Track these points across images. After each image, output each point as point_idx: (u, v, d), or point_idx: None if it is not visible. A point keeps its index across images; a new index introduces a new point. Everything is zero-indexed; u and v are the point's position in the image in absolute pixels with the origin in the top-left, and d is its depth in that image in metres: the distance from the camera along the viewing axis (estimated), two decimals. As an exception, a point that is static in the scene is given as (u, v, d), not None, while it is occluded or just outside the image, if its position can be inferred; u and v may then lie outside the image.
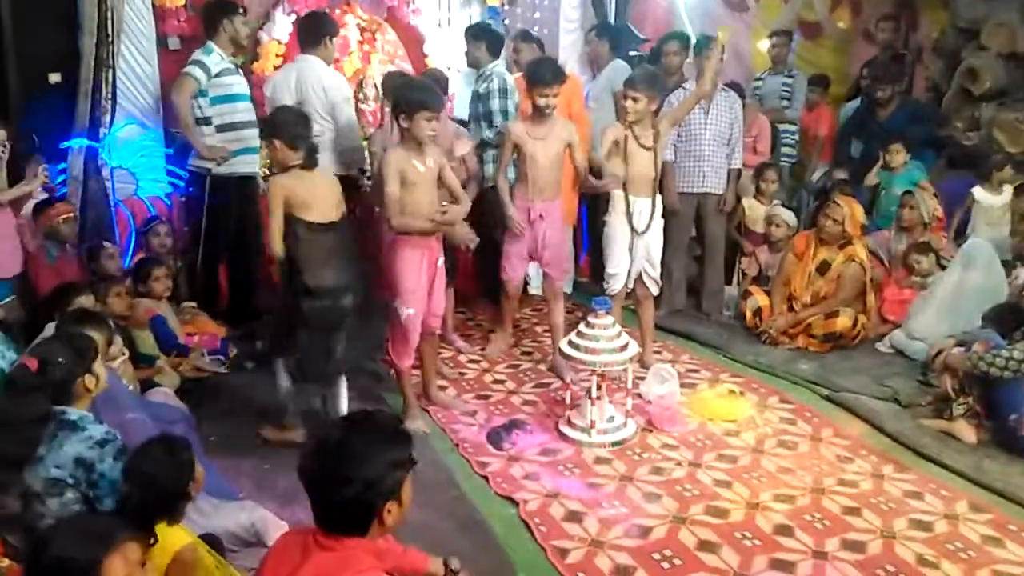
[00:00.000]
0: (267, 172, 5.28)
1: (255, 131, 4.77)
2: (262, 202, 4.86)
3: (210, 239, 4.91)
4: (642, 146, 4.31)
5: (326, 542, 1.86)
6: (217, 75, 4.69)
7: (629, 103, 4.26)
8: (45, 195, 4.45)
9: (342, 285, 3.48)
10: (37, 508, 2.29)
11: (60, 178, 4.73)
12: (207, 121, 4.75)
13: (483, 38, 5.08)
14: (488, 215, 4.68)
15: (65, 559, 1.69)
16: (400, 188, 3.61)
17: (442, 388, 4.27)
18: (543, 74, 4.17)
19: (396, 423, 2.06)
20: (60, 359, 2.47)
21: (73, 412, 2.45)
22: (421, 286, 3.76)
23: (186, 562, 2.17)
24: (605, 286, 4.47)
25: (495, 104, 4.92)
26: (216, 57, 4.70)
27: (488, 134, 4.93)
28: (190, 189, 5.01)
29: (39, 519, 2.28)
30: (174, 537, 2.19)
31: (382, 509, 1.85)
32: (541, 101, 4.16)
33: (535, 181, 4.32)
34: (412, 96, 3.61)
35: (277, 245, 3.38)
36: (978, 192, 5.33)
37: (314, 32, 4.81)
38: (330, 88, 4.75)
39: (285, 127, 3.45)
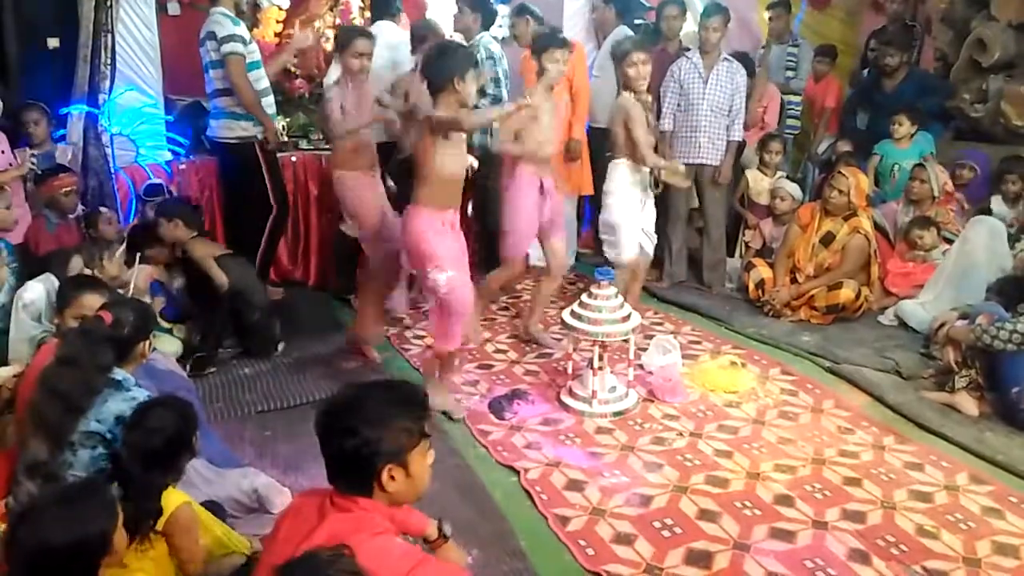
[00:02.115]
0: (285, 138, 5.39)
1: (272, 97, 4.83)
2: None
3: (281, 207, 4.95)
4: (648, 110, 4.40)
5: (342, 503, 1.86)
6: (248, 43, 4.64)
7: (638, 69, 4.30)
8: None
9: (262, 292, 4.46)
10: (67, 457, 2.34)
11: (62, 144, 4.70)
12: None
13: (480, 9, 5.23)
14: (486, 178, 4.74)
15: (78, 539, 1.71)
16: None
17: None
18: (552, 39, 4.19)
19: (419, 395, 2.02)
20: (130, 319, 2.57)
21: (119, 373, 2.50)
22: (456, 252, 3.53)
23: (182, 520, 2.19)
24: (616, 256, 4.45)
25: (486, 72, 5.08)
26: (242, 25, 4.63)
27: (484, 102, 5.07)
28: (230, 158, 4.88)
29: (66, 468, 2.33)
30: (170, 498, 2.21)
31: (381, 470, 1.85)
32: (551, 67, 4.12)
33: (543, 152, 4.25)
34: (457, 61, 3.44)
35: (223, 277, 4.16)
36: (995, 203, 5.28)
37: (386, 6, 5.30)
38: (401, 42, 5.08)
39: (184, 212, 4.33)
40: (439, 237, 3.49)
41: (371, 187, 4.34)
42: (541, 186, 4.26)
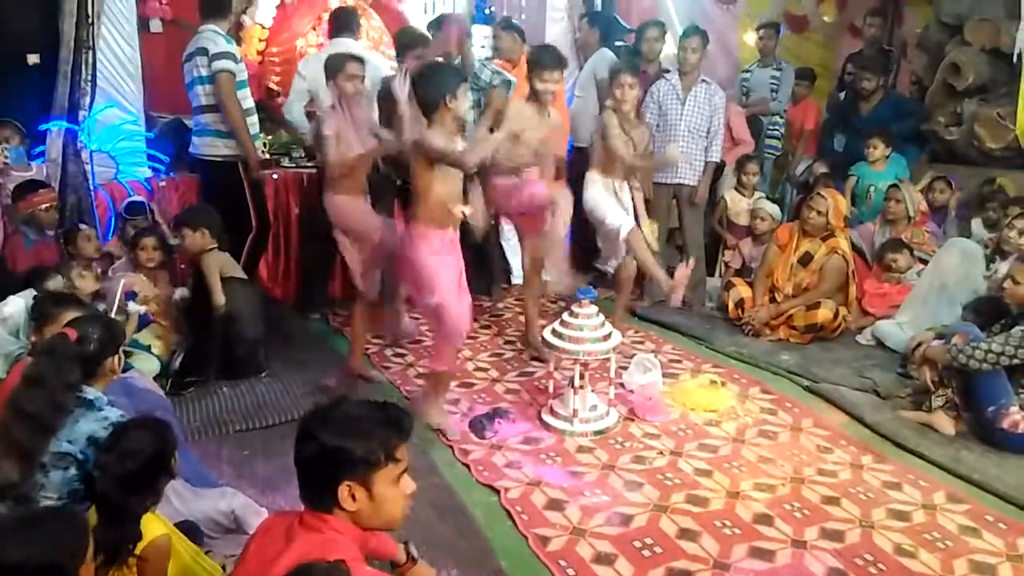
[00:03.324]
0: (268, 156, 5.35)
1: (256, 116, 4.85)
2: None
3: (261, 227, 4.97)
4: (634, 128, 4.54)
5: (311, 521, 1.84)
6: (238, 62, 4.64)
7: (624, 91, 4.42)
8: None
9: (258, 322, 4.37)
10: (39, 479, 2.30)
11: (38, 160, 4.67)
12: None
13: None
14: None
15: (45, 564, 1.66)
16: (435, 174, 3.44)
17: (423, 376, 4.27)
18: (546, 59, 4.19)
19: (399, 418, 1.94)
20: (96, 335, 2.52)
21: (90, 391, 2.46)
22: (455, 274, 3.54)
23: (160, 550, 2.16)
24: (611, 230, 4.52)
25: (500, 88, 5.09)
26: (234, 44, 4.64)
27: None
28: (212, 176, 4.90)
29: (38, 489, 2.29)
30: (150, 526, 2.18)
31: (339, 484, 1.80)
32: (540, 86, 4.14)
33: (515, 159, 4.23)
34: (446, 80, 3.44)
35: (221, 299, 4.10)
36: (975, 225, 5.35)
37: (346, 23, 5.21)
38: (370, 60, 4.85)
39: (211, 222, 4.24)
40: (440, 261, 3.47)
41: (363, 208, 4.25)
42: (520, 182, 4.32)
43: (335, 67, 4.10)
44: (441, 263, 3.48)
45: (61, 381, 2.36)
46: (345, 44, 4.99)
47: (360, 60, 4.22)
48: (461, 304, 3.55)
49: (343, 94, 4.06)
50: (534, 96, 4.22)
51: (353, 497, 1.82)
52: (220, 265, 4.20)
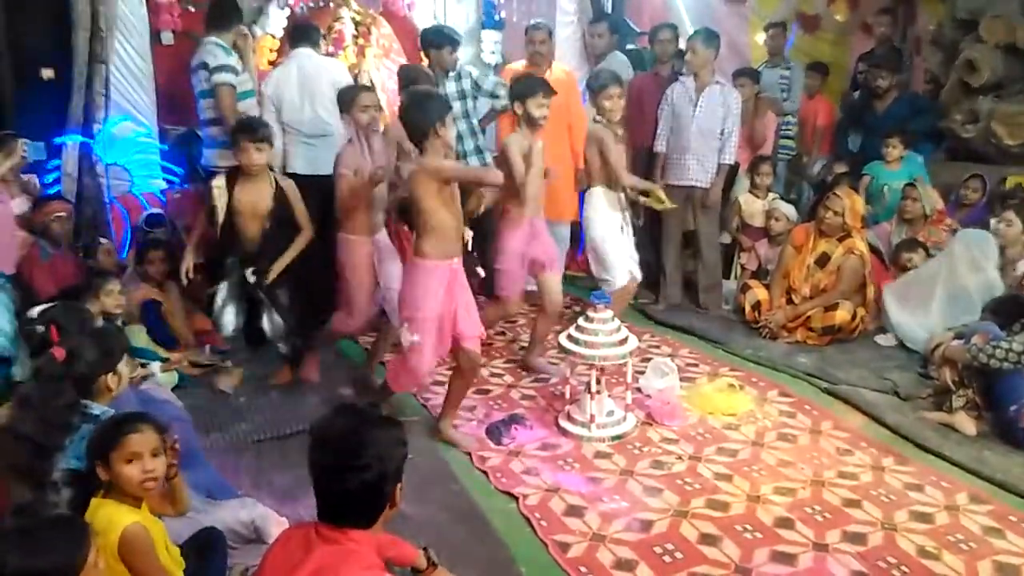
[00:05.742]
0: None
1: None
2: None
3: None
4: (620, 140, 4.49)
5: (330, 534, 1.85)
6: (239, 73, 4.66)
7: (614, 102, 4.39)
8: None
9: None
10: (51, 497, 2.29)
11: (53, 175, 4.72)
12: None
13: (448, 43, 5.01)
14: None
15: (44, 570, 1.66)
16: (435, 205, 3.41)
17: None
18: (538, 86, 4.07)
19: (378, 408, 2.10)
20: (87, 354, 2.50)
21: (96, 407, 2.47)
22: (437, 314, 3.45)
23: (133, 541, 2.08)
24: (607, 281, 4.47)
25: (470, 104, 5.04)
26: (234, 56, 4.66)
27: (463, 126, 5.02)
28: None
29: (49, 508, 2.28)
30: (120, 517, 2.11)
31: (394, 491, 1.91)
32: (537, 112, 4.02)
33: (531, 194, 4.12)
34: (432, 110, 3.39)
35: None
36: (993, 225, 5.30)
37: (307, 34, 4.98)
38: (335, 72, 4.84)
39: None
40: (436, 302, 3.43)
41: (367, 255, 4.04)
42: (531, 227, 4.19)
43: (347, 99, 4.00)
44: (435, 305, 3.43)
45: (53, 402, 2.36)
46: (306, 54, 4.90)
47: (371, 90, 4.15)
48: (432, 353, 3.51)
49: (359, 126, 3.96)
50: (529, 123, 4.05)
51: (401, 490, 1.94)
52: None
